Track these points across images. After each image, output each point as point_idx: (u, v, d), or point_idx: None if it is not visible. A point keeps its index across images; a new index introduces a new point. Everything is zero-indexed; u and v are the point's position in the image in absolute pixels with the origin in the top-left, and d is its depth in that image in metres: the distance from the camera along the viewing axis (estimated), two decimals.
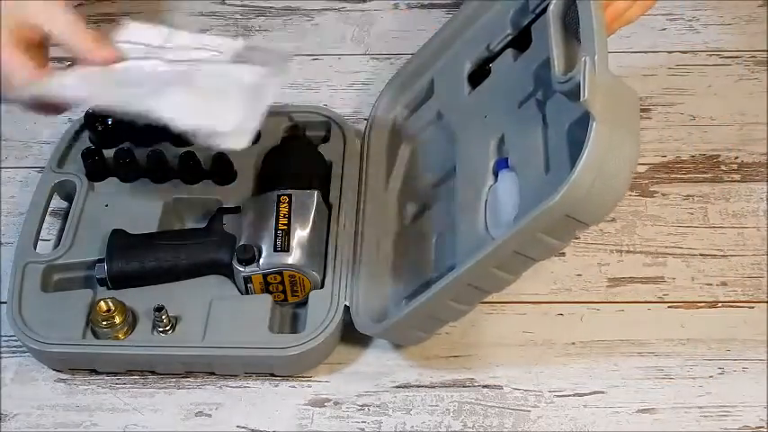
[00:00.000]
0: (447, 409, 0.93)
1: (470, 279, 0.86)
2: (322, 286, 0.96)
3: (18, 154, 1.11)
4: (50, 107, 0.90)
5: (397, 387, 0.95)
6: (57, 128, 1.09)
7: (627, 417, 0.93)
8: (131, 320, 0.95)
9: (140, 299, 0.96)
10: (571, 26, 0.85)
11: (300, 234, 0.97)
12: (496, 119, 0.94)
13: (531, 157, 0.87)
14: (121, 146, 1.04)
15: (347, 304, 0.95)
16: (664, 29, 1.19)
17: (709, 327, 0.97)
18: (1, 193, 1.07)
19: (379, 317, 0.94)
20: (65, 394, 0.95)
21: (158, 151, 1.03)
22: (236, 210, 1.01)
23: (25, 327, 0.94)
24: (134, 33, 0.92)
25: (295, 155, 1.04)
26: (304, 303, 0.96)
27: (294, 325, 0.97)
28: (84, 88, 0.86)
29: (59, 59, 0.91)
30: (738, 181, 1.07)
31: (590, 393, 0.94)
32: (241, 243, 0.96)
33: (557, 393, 0.94)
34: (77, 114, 1.06)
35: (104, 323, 0.94)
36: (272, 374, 0.95)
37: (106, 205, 1.02)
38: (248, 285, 0.96)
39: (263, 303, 0.96)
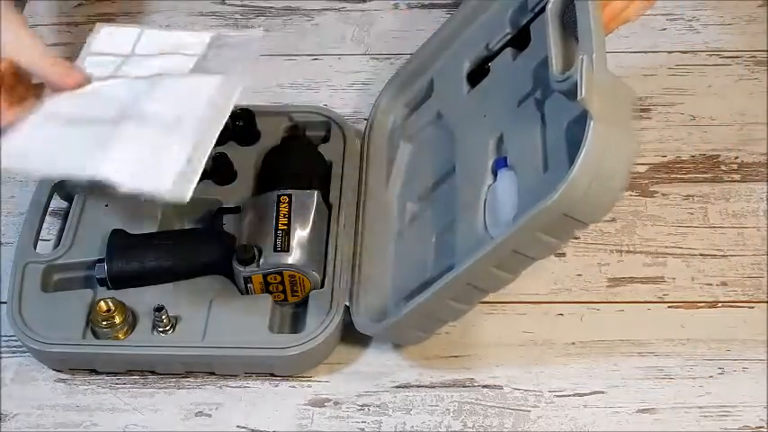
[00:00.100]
0: (447, 409, 0.93)
1: (469, 278, 0.86)
2: (322, 286, 0.96)
3: None
4: None
5: (397, 387, 0.95)
6: None
7: (627, 417, 0.93)
8: (131, 320, 0.95)
9: (140, 299, 0.96)
10: (569, 25, 0.85)
11: (300, 234, 0.97)
12: (495, 118, 0.94)
13: (530, 156, 0.87)
14: None
15: (347, 304, 0.95)
16: (664, 29, 1.19)
17: (709, 327, 0.97)
18: (1, 193, 1.07)
19: (379, 317, 0.94)
20: (65, 394, 0.95)
21: None
22: (236, 210, 1.01)
23: (25, 327, 0.94)
24: (104, 41, 0.94)
25: (295, 155, 1.04)
26: (304, 303, 0.96)
27: (294, 325, 0.97)
28: (31, 160, 0.86)
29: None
30: (738, 181, 1.07)
31: (590, 393, 0.94)
32: (241, 243, 0.96)
33: (557, 393, 0.94)
34: None
35: (104, 323, 0.94)
36: (272, 374, 0.95)
37: (106, 205, 1.01)
38: (248, 285, 0.96)
39: (263, 303, 0.96)
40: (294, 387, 0.95)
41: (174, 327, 0.95)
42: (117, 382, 0.95)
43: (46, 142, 0.86)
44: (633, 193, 1.06)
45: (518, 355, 0.96)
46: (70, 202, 1.02)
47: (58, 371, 0.96)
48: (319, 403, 0.94)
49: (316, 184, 1.01)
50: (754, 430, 0.92)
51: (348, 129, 1.06)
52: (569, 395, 0.94)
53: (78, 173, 0.84)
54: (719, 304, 0.99)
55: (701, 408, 0.93)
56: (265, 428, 0.93)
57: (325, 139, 1.07)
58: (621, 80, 0.81)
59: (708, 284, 1.00)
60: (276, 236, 0.96)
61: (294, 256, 0.95)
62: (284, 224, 0.97)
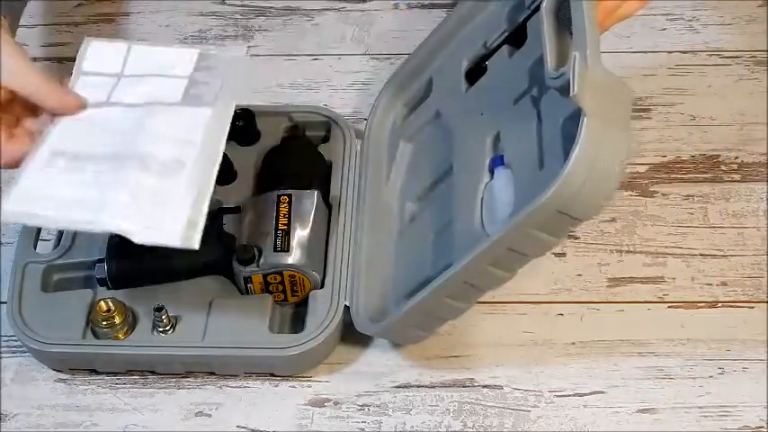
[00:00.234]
0: (447, 409, 0.93)
1: (466, 277, 0.86)
2: (322, 286, 0.96)
3: None
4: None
5: (397, 387, 0.95)
6: None
7: (627, 417, 0.93)
8: (131, 320, 0.95)
9: (140, 299, 0.96)
10: (565, 22, 0.85)
11: (300, 234, 0.97)
12: (492, 116, 0.94)
13: (526, 153, 0.87)
14: None
15: (347, 304, 0.95)
16: (664, 29, 1.19)
17: (709, 327, 0.97)
18: (1, 192, 1.07)
19: (379, 316, 0.94)
20: (65, 394, 0.95)
21: None
22: (236, 210, 1.01)
23: (25, 327, 0.94)
24: (94, 60, 0.95)
25: (295, 155, 1.04)
26: (304, 303, 0.96)
27: (294, 325, 0.97)
28: (40, 212, 0.87)
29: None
30: (738, 181, 1.07)
31: (590, 393, 0.94)
32: (241, 243, 0.96)
33: (557, 393, 0.94)
34: None
35: (104, 323, 0.94)
36: (272, 374, 0.95)
37: None
38: (248, 285, 0.96)
39: (263, 303, 0.96)
40: (294, 387, 0.95)
41: (174, 327, 0.95)
42: (117, 382, 0.95)
43: (54, 190, 0.87)
44: (633, 193, 1.06)
45: (518, 355, 0.96)
46: None
47: (58, 371, 0.96)
48: (319, 403, 0.94)
49: (316, 184, 1.01)
50: (754, 430, 0.92)
51: (348, 129, 1.06)
52: (569, 395, 0.94)
53: (92, 227, 0.86)
54: (719, 304, 0.99)
55: (701, 408, 0.93)
56: (265, 428, 0.93)
57: (325, 139, 1.06)
58: (618, 77, 0.80)
59: (708, 284, 1.00)
60: (276, 236, 0.96)
61: (294, 256, 0.95)
62: (284, 224, 0.97)
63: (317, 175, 1.03)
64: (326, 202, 1.01)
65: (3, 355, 0.97)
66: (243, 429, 0.93)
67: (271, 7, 1.23)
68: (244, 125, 1.05)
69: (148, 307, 0.95)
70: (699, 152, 1.09)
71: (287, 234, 0.96)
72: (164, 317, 0.93)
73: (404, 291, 0.94)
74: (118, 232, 0.85)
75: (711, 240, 1.03)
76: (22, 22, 1.01)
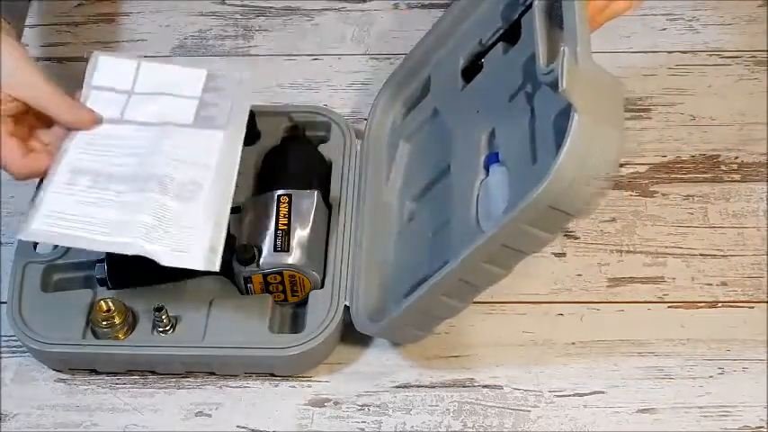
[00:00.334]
0: (447, 409, 0.93)
1: (462, 274, 0.86)
2: (322, 286, 0.96)
3: None
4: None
5: (397, 387, 0.95)
6: None
7: (627, 417, 0.93)
8: (131, 320, 0.95)
9: (140, 299, 0.96)
10: (557, 19, 0.84)
11: (300, 234, 0.97)
12: (488, 113, 0.94)
13: (520, 149, 0.87)
14: None
15: (347, 304, 0.95)
16: (664, 29, 1.19)
17: (709, 327, 0.97)
18: (1, 192, 1.07)
19: (378, 316, 0.94)
20: (65, 394, 0.95)
21: None
22: (236, 210, 1.01)
23: (25, 327, 0.94)
24: (104, 75, 0.98)
25: (295, 155, 1.04)
26: (304, 303, 0.96)
27: (294, 325, 0.97)
28: (67, 233, 0.91)
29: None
30: (738, 181, 1.07)
31: (590, 393, 0.94)
32: (241, 243, 0.96)
33: (557, 393, 0.94)
34: None
35: (104, 323, 0.94)
36: (272, 374, 0.95)
37: None
38: (248, 285, 0.96)
39: (263, 303, 0.96)
40: (294, 387, 0.95)
41: (174, 327, 0.95)
42: (117, 382, 0.95)
43: (78, 210, 0.91)
44: (633, 193, 1.06)
45: (518, 355, 0.96)
46: None
47: (58, 371, 0.96)
48: (319, 403, 0.94)
49: (316, 184, 1.01)
50: (754, 430, 0.92)
51: (348, 129, 1.06)
52: (569, 395, 0.94)
53: (119, 249, 0.89)
54: (719, 304, 0.99)
55: (701, 408, 0.93)
56: (265, 428, 0.93)
57: (325, 139, 1.06)
58: (609, 73, 0.80)
59: (708, 284, 1.00)
60: (276, 236, 0.96)
61: (294, 256, 0.95)
62: (284, 224, 0.97)
63: (317, 175, 1.03)
64: (326, 202, 1.01)
65: (3, 355, 0.97)
66: (243, 429, 0.93)
67: (271, 7, 1.23)
68: None
69: (148, 307, 0.95)
70: (699, 152, 1.09)
71: (287, 234, 0.96)
72: (164, 317, 0.93)
73: (402, 290, 0.94)
74: (144, 254, 0.89)
75: (711, 240, 1.03)
76: None
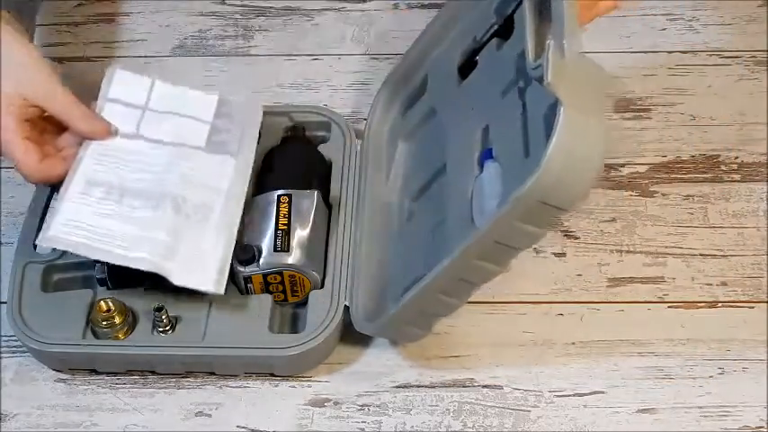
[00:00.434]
0: (447, 409, 0.93)
1: (456, 272, 0.86)
2: (322, 286, 0.96)
3: None
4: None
5: (397, 387, 0.95)
6: None
7: (627, 417, 0.93)
8: (131, 320, 0.95)
9: (140, 299, 0.96)
10: (547, 13, 0.84)
11: (300, 234, 0.97)
12: (482, 109, 0.94)
13: (513, 145, 0.87)
14: None
15: (347, 304, 0.95)
16: (664, 29, 1.19)
17: (709, 327, 0.97)
18: (1, 192, 1.07)
19: (377, 315, 0.94)
20: (65, 394, 0.95)
21: None
22: None
23: (25, 327, 0.94)
24: (119, 89, 1.00)
25: (295, 155, 1.04)
26: (304, 303, 0.96)
27: (294, 325, 0.97)
28: (82, 243, 0.93)
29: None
30: (738, 181, 1.07)
31: (590, 393, 0.94)
32: (241, 243, 0.96)
33: (557, 393, 0.94)
34: None
35: (104, 323, 0.94)
36: (272, 374, 0.95)
37: None
38: (248, 285, 0.96)
39: (263, 303, 0.96)
40: (294, 387, 0.95)
41: (173, 327, 0.95)
42: (117, 382, 0.95)
43: (94, 220, 0.93)
44: (633, 193, 1.06)
45: (518, 355, 0.96)
46: None
47: (58, 371, 0.96)
48: (319, 403, 0.94)
49: (316, 184, 1.01)
50: (754, 430, 0.92)
51: (348, 129, 1.06)
52: (569, 395, 0.94)
53: (131, 263, 0.92)
54: (719, 304, 0.99)
55: (700, 408, 0.93)
56: (265, 428, 0.93)
57: (325, 139, 1.06)
58: (598, 66, 0.80)
59: (708, 284, 1.00)
60: (276, 236, 0.96)
61: (294, 256, 0.95)
62: (284, 224, 0.97)
63: (317, 175, 1.03)
64: (326, 202, 1.01)
65: (3, 355, 0.97)
66: (243, 429, 0.93)
67: (271, 7, 1.23)
68: None
69: (148, 307, 0.95)
70: (699, 152, 1.09)
71: (287, 234, 0.96)
72: (164, 317, 0.93)
73: (400, 289, 0.94)
74: (158, 271, 0.91)
75: (711, 240, 1.03)
76: None
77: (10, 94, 0.94)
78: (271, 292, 0.96)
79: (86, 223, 0.93)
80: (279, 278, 0.96)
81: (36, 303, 0.95)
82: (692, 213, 1.04)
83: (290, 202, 0.98)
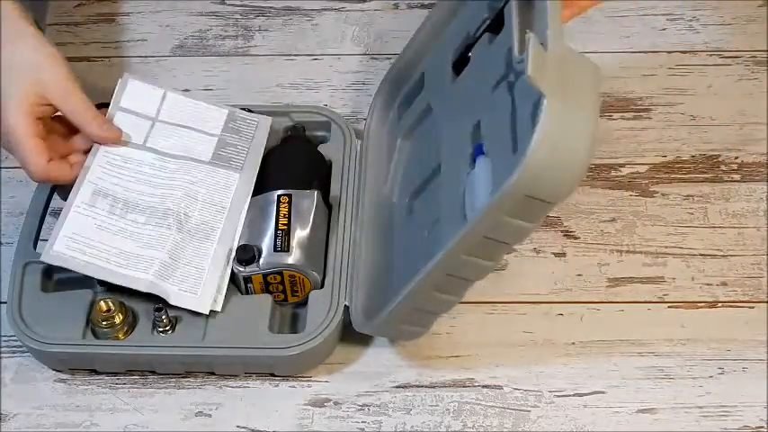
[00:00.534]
0: (447, 409, 0.93)
1: (448, 268, 0.85)
2: (322, 286, 0.96)
3: None
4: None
5: (397, 387, 0.95)
6: None
7: (627, 417, 0.93)
8: (131, 320, 0.95)
9: (140, 299, 0.95)
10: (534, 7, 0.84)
11: (300, 234, 0.97)
12: (474, 105, 0.93)
13: (502, 140, 0.86)
14: None
15: (347, 304, 0.95)
16: (664, 29, 1.19)
17: (709, 327, 0.97)
18: (1, 192, 1.07)
19: (375, 314, 0.93)
20: (65, 394, 0.95)
21: None
22: None
23: (25, 327, 0.94)
24: (132, 98, 1.02)
25: (295, 155, 1.04)
26: (304, 303, 0.96)
27: (294, 325, 0.97)
28: (86, 262, 0.94)
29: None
30: (738, 181, 1.07)
31: (590, 393, 0.94)
32: (241, 243, 0.96)
33: (557, 393, 0.94)
34: None
35: (104, 323, 0.94)
36: (272, 374, 0.95)
37: None
38: (248, 285, 0.96)
39: (263, 303, 0.96)
40: (294, 387, 0.95)
41: (173, 327, 0.95)
42: (117, 382, 0.95)
43: (97, 237, 0.95)
44: (633, 193, 1.06)
45: (518, 355, 0.96)
46: None
47: (58, 371, 0.96)
48: (319, 403, 0.94)
49: (316, 184, 1.01)
50: (754, 430, 0.92)
51: (348, 129, 1.06)
52: (569, 395, 0.94)
53: (131, 284, 0.93)
54: (719, 304, 0.99)
55: (700, 408, 0.93)
56: (265, 428, 0.93)
57: (325, 139, 1.06)
58: (586, 58, 0.79)
59: (708, 284, 1.00)
60: (276, 236, 0.96)
61: (294, 256, 0.95)
62: (284, 224, 0.97)
63: (317, 175, 1.03)
64: (326, 202, 1.01)
65: (3, 355, 0.97)
66: (243, 429, 0.93)
67: (271, 7, 1.23)
68: None
69: (148, 307, 0.95)
70: (699, 152, 1.09)
71: (287, 234, 0.96)
72: (164, 317, 0.93)
73: (398, 288, 0.94)
74: (154, 291, 0.93)
75: (711, 240, 1.03)
76: None
77: (27, 90, 0.94)
78: (271, 292, 0.96)
79: (90, 238, 0.95)
80: (279, 278, 0.96)
81: (36, 303, 0.95)
82: (691, 213, 1.04)
83: (290, 202, 0.98)
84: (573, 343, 0.97)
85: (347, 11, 1.22)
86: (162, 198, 0.98)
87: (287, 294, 0.97)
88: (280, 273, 0.95)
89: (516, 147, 0.84)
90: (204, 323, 0.94)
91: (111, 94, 1.03)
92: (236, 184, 1.00)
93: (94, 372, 0.95)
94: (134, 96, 1.02)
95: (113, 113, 1.00)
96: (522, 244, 1.02)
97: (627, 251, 1.02)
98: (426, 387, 0.95)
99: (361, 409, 0.93)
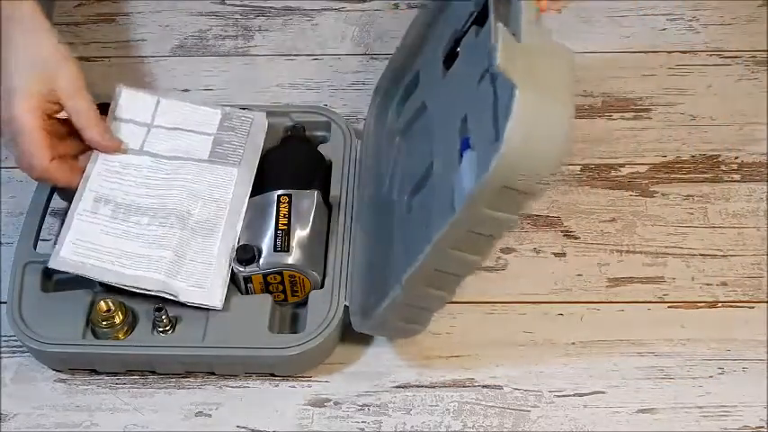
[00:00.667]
0: (447, 409, 0.93)
1: (435, 264, 0.85)
2: (322, 286, 0.96)
3: None
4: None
5: (397, 387, 0.95)
6: None
7: (627, 417, 0.93)
8: (131, 320, 0.95)
9: (140, 299, 0.95)
10: None
11: (300, 234, 0.97)
12: (462, 99, 0.93)
13: (486, 133, 0.85)
14: None
15: (347, 304, 0.95)
16: (664, 29, 1.19)
17: (709, 327, 0.97)
18: (1, 192, 1.07)
19: (372, 313, 0.93)
20: (65, 394, 0.95)
21: None
22: None
23: (25, 327, 0.94)
24: (127, 108, 1.03)
25: (295, 155, 1.04)
26: (304, 303, 0.96)
27: (294, 325, 0.97)
28: (93, 266, 0.95)
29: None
30: (738, 181, 1.07)
31: (590, 393, 0.94)
32: (241, 243, 0.96)
33: (557, 393, 0.94)
34: None
35: (104, 323, 0.94)
36: (272, 374, 0.95)
37: None
38: (248, 285, 0.96)
39: (263, 303, 0.96)
40: (294, 387, 0.95)
41: (173, 327, 0.95)
42: (117, 382, 0.95)
43: (102, 241, 0.96)
44: (633, 193, 1.06)
45: (518, 355, 0.96)
46: (70, 203, 1.02)
47: (58, 371, 0.96)
48: (319, 403, 0.94)
49: (316, 184, 1.01)
50: (754, 430, 0.92)
51: (348, 129, 1.06)
52: (569, 395, 0.94)
53: (140, 285, 0.94)
54: (719, 304, 0.99)
55: (700, 408, 0.93)
56: (265, 428, 0.93)
57: (325, 139, 1.06)
58: (562, 47, 0.79)
59: (708, 284, 1.00)
60: (276, 236, 0.96)
61: (294, 256, 0.95)
62: (284, 224, 0.97)
63: (317, 175, 1.03)
64: (326, 202, 1.01)
65: (3, 355, 0.97)
66: (243, 429, 0.93)
67: (271, 7, 1.23)
68: None
69: (148, 307, 0.95)
70: (699, 152, 1.09)
71: (287, 234, 0.96)
72: (164, 317, 0.93)
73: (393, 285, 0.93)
74: (165, 289, 0.93)
75: (711, 240, 1.03)
76: None
77: (39, 85, 0.95)
78: (271, 292, 0.96)
79: (96, 243, 0.95)
80: (279, 278, 0.96)
81: (36, 303, 0.95)
82: (691, 213, 1.04)
83: (290, 202, 0.98)
84: (573, 343, 0.97)
85: (347, 11, 1.22)
86: (162, 198, 0.98)
87: (287, 294, 0.97)
88: (280, 273, 0.95)
89: (498, 139, 0.84)
90: (204, 323, 0.94)
91: (111, 95, 1.03)
92: (235, 178, 1.00)
93: (94, 372, 0.95)
94: (128, 105, 1.03)
95: (109, 122, 1.01)
96: (522, 244, 1.02)
97: (627, 251, 1.02)
98: (426, 387, 0.95)
99: (361, 409, 0.93)
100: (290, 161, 1.03)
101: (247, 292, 0.97)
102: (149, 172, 1.00)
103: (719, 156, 1.08)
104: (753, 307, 0.98)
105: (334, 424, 0.93)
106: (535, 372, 0.95)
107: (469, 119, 0.90)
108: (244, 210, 0.99)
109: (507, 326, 0.98)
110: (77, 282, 0.97)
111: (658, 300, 0.99)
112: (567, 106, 0.77)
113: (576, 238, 1.03)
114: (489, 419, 0.93)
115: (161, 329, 0.94)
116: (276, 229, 0.97)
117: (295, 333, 0.95)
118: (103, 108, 1.01)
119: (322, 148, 1.05)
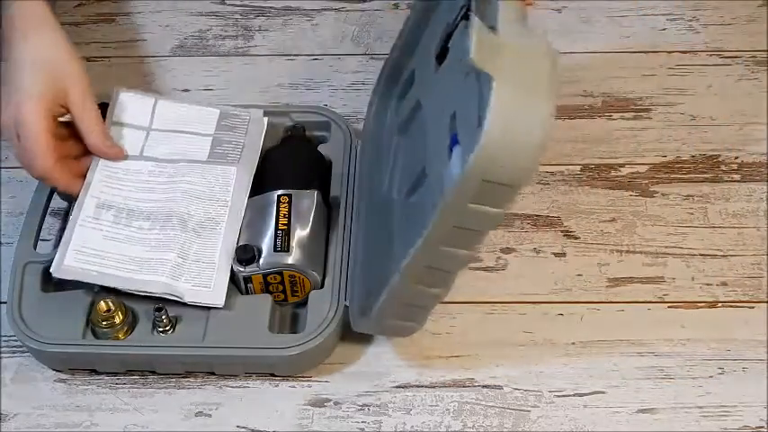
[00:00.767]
0: (447, 409, 0.93)
1: (425, 261, 0.85)
2: (322, 286, 0.96)
3: None
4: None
5: (397, 387, 0.95)
6: None
7: (627, 417, 0.93)
8: (131, 320, 0.95)
9: (140, 299, 0.95)
10: None
11: (300, 234, 0.97)
12: (450, 95, 0.92)
13: (470, 127, 0.85)
14: None
15: (347, 304, 0.95)
16: (664, 29, 1.19)
17: (709, 327, 0.97)
18: (1, 192, 1.07)
19: (369, 312, 0.93)
20: (65, 394, 0.95)
21: None
22: None
23: (25, 327, 0.94)
24: (125, 111, 1.03)
25: (295, 155, 1.04)
26: (304, 303, 0.96)
27: (294, 325, 0.97)
28: (97, 272, 0.95)
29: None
30: (738, 181, 1.07)
31: (590, 393, 0.94)
32: (241, 243, 0.96)
33: (557, 393, 0.94)
34: None
35: (104, 323, 0.94)
36: (272, 374, 0.95)
37: None
38: (248, 285, 0.96)
39: (263, 303, 0.96)
40: (294, 387, 0.95)
41: (174, 327, 0.95)
42: (117, 382, 0.95)
43: (106, 247, 0.96)
44: (633, 193, 1.06)
45: (518, 355, 0.96)
46: (70, 202, 1.02)
47: (58, 371, 0.96)
48: (319, 403, 0.94)
49: (316, 184, 1.01)
50: (754, 430, 0.92)
51: (348, 129, 1.06)
52: (569, 395, 0.94)
53: (145, 288, 0.94)
54: (719, 304, 0.99)
55: (700, 408, 0.93)
56: (265, 428, 0.93)
57: (325, 139, 1.06)
58: (541, 40, 0.78)
59: (708, 284, 1.00)
60: (276, 236, 0.96)
61: (294, 256, 0.95)
62: (284, 224, 0.97)
63: (317, 175, 1.03)
64: (326, 202, 1.01)
65: (3, 355, 0.97)
66: (243, 429, 0.93)
67: (271, 7, 1.23)
68: None
69: (148, 307, 0.95)
70: (699, 152, 1.09)
71: (287, 234, 0.96)
72: (164, 317, 0.93)
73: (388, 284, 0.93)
74: (170, 291, 0.93)
75: (711, 240, 1.03)
76: None
77: (49, 85, 0.95)
78: (271, 292, 0.96)
79: (99, 249, 0.95)
80: (279, 278, 0.96)
81: (36, 303, 0.95)
82: (691, 213, 1.04)
83: (290, 202, 0.98)
84: (573, 343, 0.97)
85: (347, 11, 1.22)
86: (164, 202, 0.98)
87: (287, 294, 0.97)
88: (280, 273, 0.95)
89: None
90: (204, 323, 0.94)
91: (110, 95, 1.03)
92: (235, 177, 1.00)
93: (94, 372, 0.95)
94: (126, 108, 1.03)
95: (108, 129, 1.01)
96: (522, 244, 1.02)
97: (627, 251, 1.02)
98: (426, 387, 0.95)
99: (361, 409, 0.93)
100: (290, 161, 1.03)
101: (247, 292, 0.97)
102: (150, 176, 1.00)
103: (719, 156, 1.08)
104: (753, 307, 0.98)
105: (334, 424, 0.93)
106: (535, 372, 0.95)
107: (458, 115, 0.90)
108: (244, 207, 0.99)
109: (507, 326, 0.98)
110: (77, 282, 0.97)
111: (658, 300, 0.99)
112: (548, 101, 0.76)
113: (576, 238, 1.03)
114: (489, 419, 0.93)
115: (161, 329, 0.94)
116: (276, 229, 0.97)
117: (295, 333, 0.95)
118: (103, 108, 1.01)
119: (322, 148, 1.05)
